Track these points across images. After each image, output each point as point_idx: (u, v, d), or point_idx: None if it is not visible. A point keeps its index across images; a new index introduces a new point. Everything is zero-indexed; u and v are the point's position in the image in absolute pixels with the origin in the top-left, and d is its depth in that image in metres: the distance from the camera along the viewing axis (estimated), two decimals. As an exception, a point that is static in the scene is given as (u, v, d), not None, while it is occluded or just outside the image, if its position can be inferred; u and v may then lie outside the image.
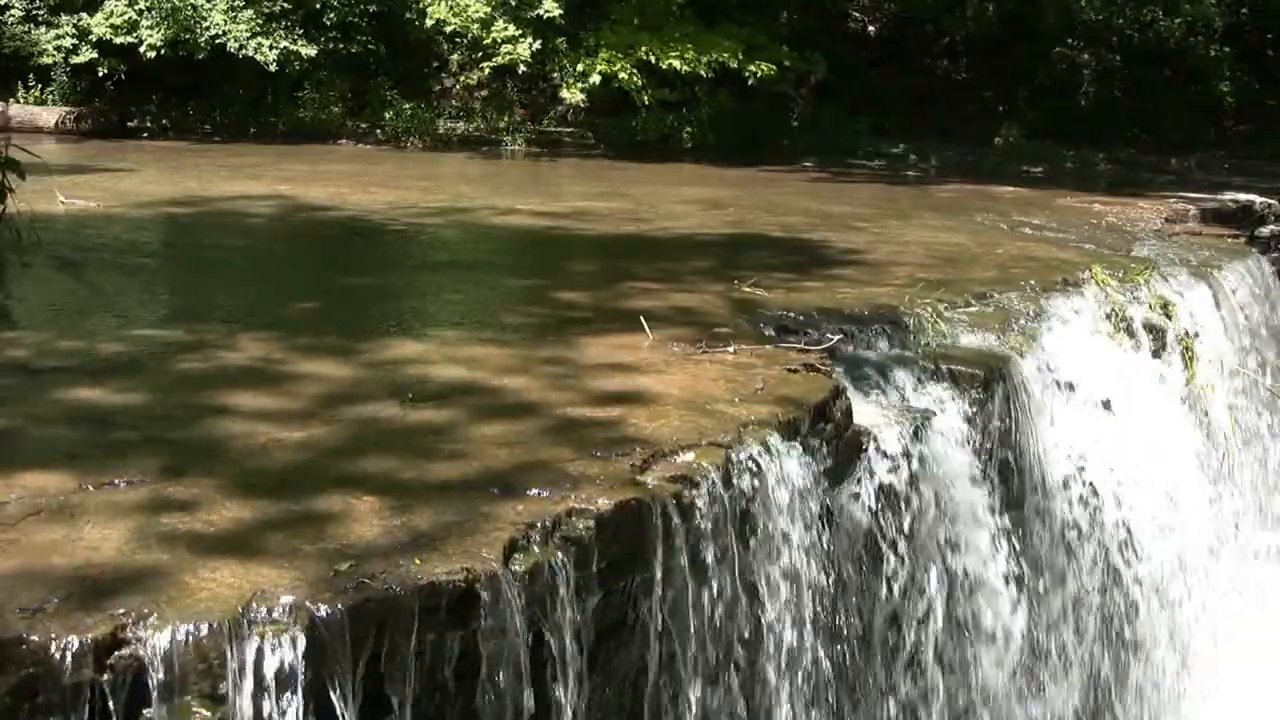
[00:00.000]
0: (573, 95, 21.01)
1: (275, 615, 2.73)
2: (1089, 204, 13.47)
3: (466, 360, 5.00)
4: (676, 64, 19.77)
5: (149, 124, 22.18)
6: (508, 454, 3.83)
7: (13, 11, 21.73)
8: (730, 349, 5.30)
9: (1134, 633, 6.82)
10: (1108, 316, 7.76)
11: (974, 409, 5.78)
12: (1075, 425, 6.65)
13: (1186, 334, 8.45)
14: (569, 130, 22.48)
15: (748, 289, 6.82)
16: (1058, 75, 24.72)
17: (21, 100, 21.68)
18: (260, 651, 2.66)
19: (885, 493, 5.00)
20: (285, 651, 2.68)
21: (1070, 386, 6.78)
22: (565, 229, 10.05)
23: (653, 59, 19.81)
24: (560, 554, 3.26)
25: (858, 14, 26.09)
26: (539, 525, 3.30)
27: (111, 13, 20.97)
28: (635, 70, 19.83)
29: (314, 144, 20.15)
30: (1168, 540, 7.14)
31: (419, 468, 3.67)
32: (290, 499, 3.36)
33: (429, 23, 20.88)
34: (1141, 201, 13.70)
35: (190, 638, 2.66)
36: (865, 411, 5.15)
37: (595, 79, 19.94)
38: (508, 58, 20.52)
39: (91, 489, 3.37)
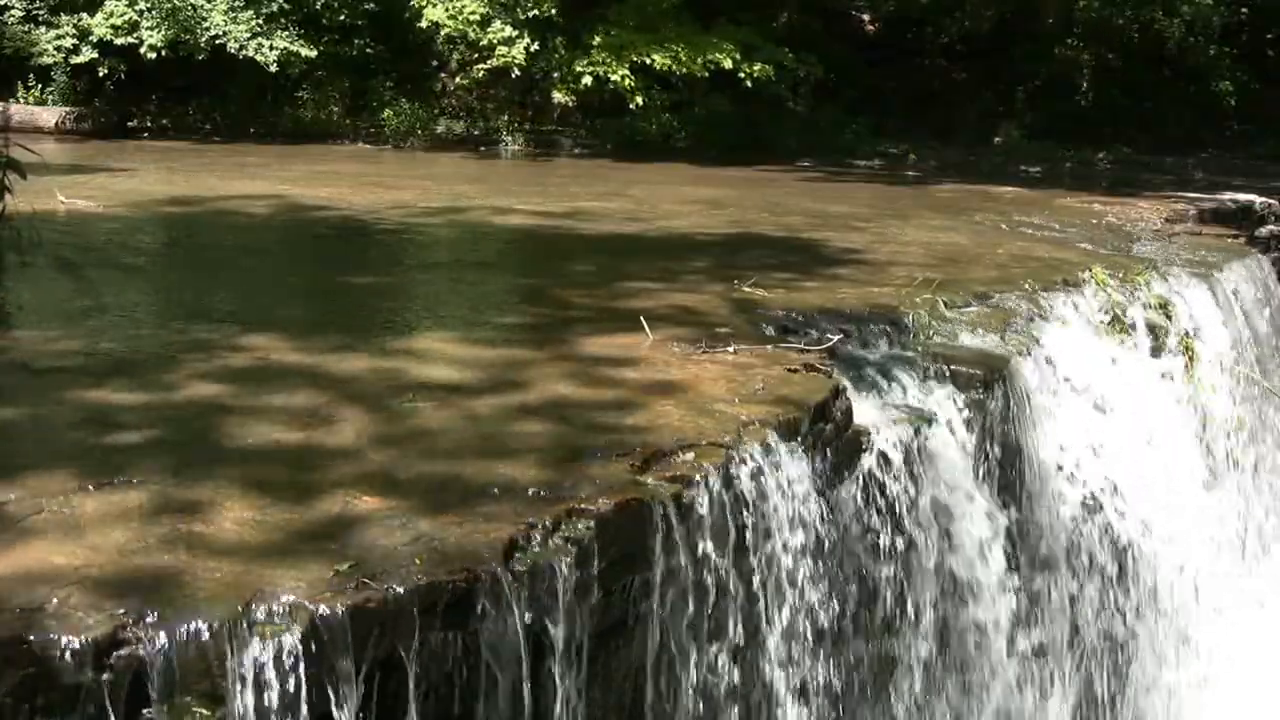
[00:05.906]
0: (564, 96, 21.01)
1: (275, 615, 2.73)
2: (1089, 204, 13.46)
3: (466, 360, 5.00)
4: (670, 64, 19.75)
5: (149, 124, 22.21)
6: (507, 454, 3.83)
7: (13, 11, 21.73)
8: (730, 349, 5.30)
9: (1130, 635, 6.82)
10: (1107, 316, 7.75)
11: (974, 409, 5.78)
12: (1075, 425, 6.65)
13: (1186, 334, 8.45)
14: (567, 130, 22.49)
15: (748, 289, 6.81)
16: (1058, 75, 24.70)
17: (22, 100, 21.69)
18: (260, 651, 2.66)
19: (884, 492, 5.00)
20: (285, 652, 2.68)
21: (1070, 386, 6.78)
22: (564, 229, 10.04)
23: (646, 60, 19.79)
24: (560, 554, 3.26)
25: (857, 14, 26.08)
26: (539, 525, 3.31)
27: (112, 13, 20.97)
28: (629, 71, 19.81)
29: (314, 144, 20.16)
30: (1165, 539, 7.13)
31: (419, 468, 3.67)
32: (290, 499, 3.36)
33: (423, 24, 20.89)
34: (1141, 201, 13.68)
35: (190, 638, 2.66)
36: (865, 411, 5.15)
37: (587, 79, 19.93)
38: (503, 59, 20.51)
39: (92, 489, 3.37)
